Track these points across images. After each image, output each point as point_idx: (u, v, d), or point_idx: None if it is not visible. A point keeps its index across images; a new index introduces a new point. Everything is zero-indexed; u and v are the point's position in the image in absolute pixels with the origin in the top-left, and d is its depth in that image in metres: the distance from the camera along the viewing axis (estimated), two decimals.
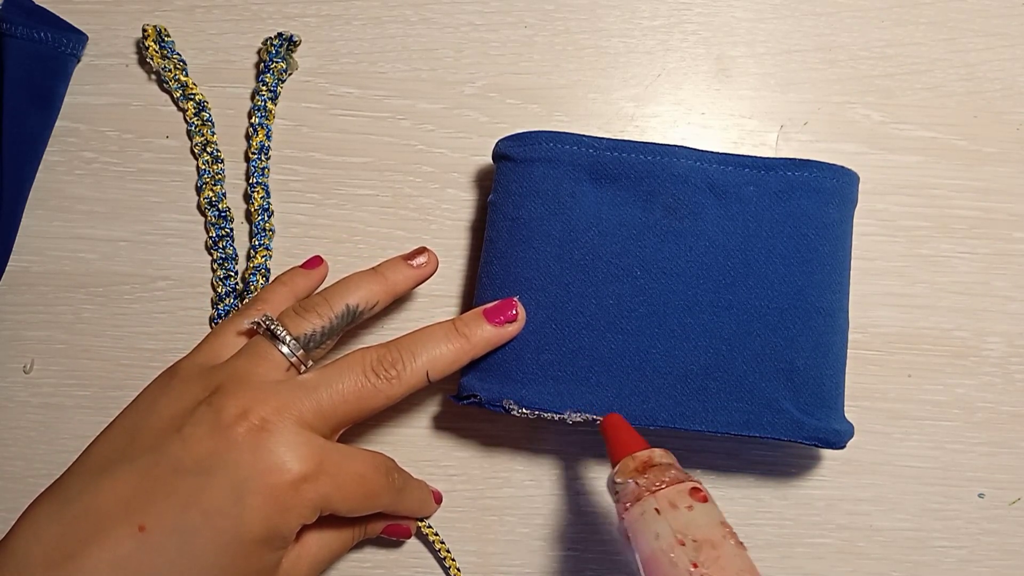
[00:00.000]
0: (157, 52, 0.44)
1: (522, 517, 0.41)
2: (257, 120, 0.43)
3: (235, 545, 0.30)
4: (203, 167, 0.43)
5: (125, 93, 0.45)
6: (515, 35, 0.45)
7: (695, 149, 0.38)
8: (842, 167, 0.38)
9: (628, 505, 0.30)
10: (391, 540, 0.40)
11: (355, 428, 0.41)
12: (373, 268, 0.37)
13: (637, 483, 0.31)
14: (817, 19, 0.45)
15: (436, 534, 0.40)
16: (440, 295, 0.43)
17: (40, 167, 0.44)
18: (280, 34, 0.43)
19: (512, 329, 0.37)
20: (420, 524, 0.40)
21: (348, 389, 0.33)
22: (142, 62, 0.45)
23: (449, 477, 0.41)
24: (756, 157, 0.38)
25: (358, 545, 0.40)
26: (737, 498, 0.41)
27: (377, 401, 0.34)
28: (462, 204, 0.43)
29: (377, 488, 0.34)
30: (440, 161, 0.44)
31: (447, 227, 0.43)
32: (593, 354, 0.36)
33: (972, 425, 0.41)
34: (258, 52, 0.45)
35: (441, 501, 0.41)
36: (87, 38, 0.45)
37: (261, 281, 0.42)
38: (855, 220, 0.40)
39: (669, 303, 0.37)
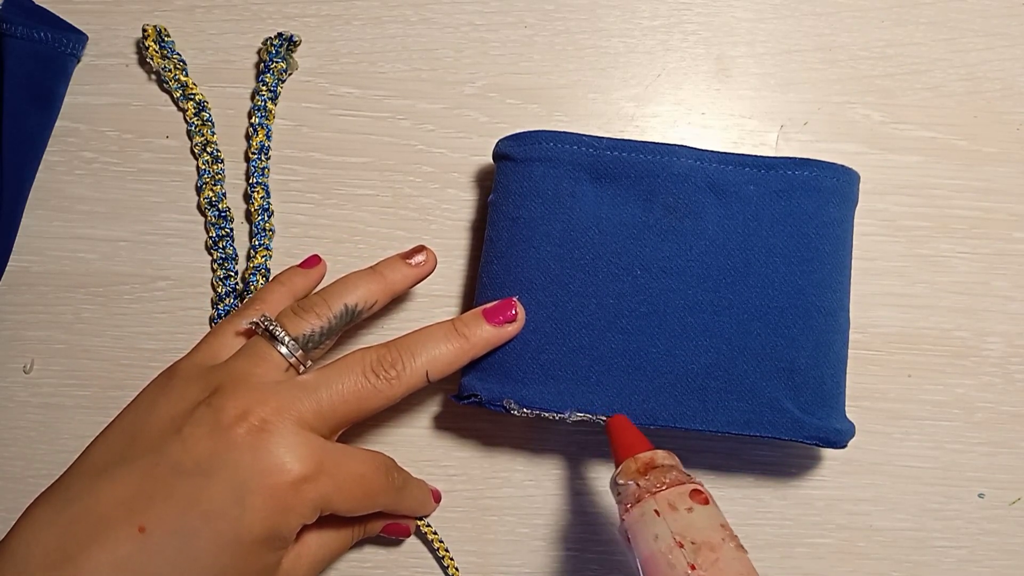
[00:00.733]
0: (157, 52, 0.44)
1: (522, 517, 0.41)
2: (257, 120, 0.43)
3: (235, 546, 0.30)
4: (203, 167, 0.43)
5: (125, 93, 0.45)
6: (515, 35, 0.45)
7: (695, 148, 0.38)
8: (843, 166, 0.38)
9: (629, 506, 0.30)
10: (390, 539, 0.40)
11: (355, 428, 0.41)
12: (371, 267, 0.37)
13: (638, 484, 0.31)
14: (817, 19, 0.45)
15: (435, 533, 0.40)
16: (440, 295, 0.43)
17: (40, 167, 0.44)
18: (280, 34, 0.43)
19: (512, 329, 0.36)
20: (419, 523, 0.40)
21: (348, 389, 0.33)
22: (142, 62, 0.45)
23: (449, 477, 0.41)
24: (756, 156, 0.38)
25: (358, 544, 0.40)
26: (737, 498, 0.41)
27: (377, 401, 0.34)
28: (462, 204, 0.43)
29: (377, 487, 0.34)
30: (440, 161, 0.44)
31: (447, 227, 0.43)
32: (593, 353, 0.36)
33: (972, 425, 0.41)
34: (258, 52, 0.45)
35: (440, 500, 0.41)
36: (87, 38, 0.45)
37: (261, 281, 0.42)
38: (855, 220, 0.40)
39: (669, 302, 0.37)
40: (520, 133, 0.39)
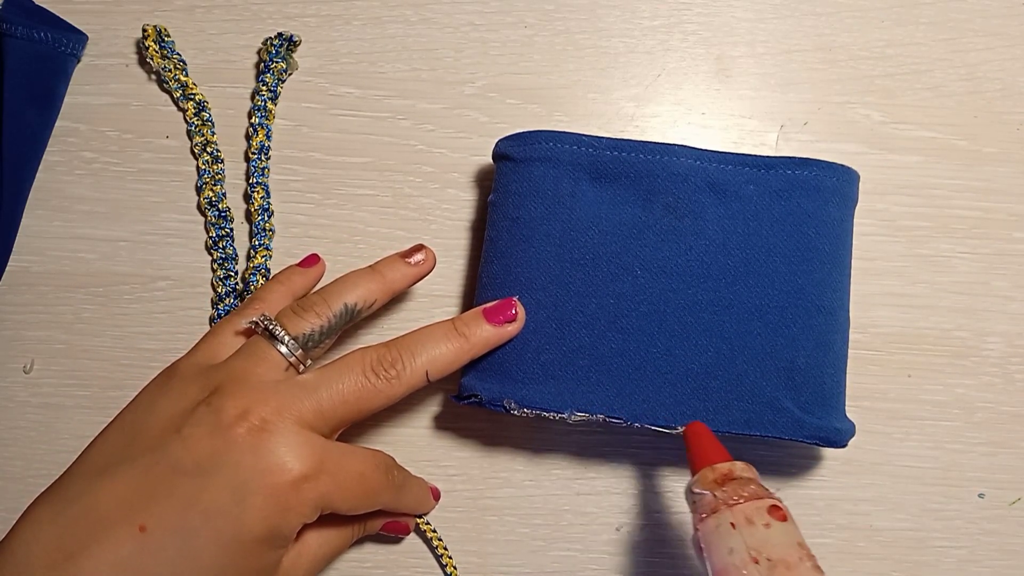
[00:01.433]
0: (157, 52, 0.44)
1: (522, 517, 0.41)
2: (257, 120, 0.43)
3: (235, 545, 0.30)
4: (203, 167, 0.43)
5: (125, 93, 0.45)
6: (515, 35, 0.45)
7: (695, 148, 0.38)
8: (843, 166, 0.38)
9: (704, 516, 0.30)
10: (390, 537, 0.40)
11: (355, 428, 0.41)
12: (371, 266, 0.37)
13: (715, 495, 0.30)
14: (817, 19, 0.45)
15: (434, 531, 0.40)
16: (440, 295, 0.43)
17: (40, 167, 0.44)
18: (280, 34, 0.43)
19: (512, 329, 0.36)
20: (419, 521, 0.40)
21: (348, 389, 0.33)
22: (142, 62, 0.45)
23: (449, 477, 0.41)
24: (756, 156, 0.38)
25: (358, 544, 0.40)
26: None
27: (377, 401, 0.34)
28: (462, 204, 0.43)
29: (377, 486, 0.34)
30: (440, 161, 0.44)
31: (447, 227, 0.43)
32: (593, 353, 0.36)
33: (972, 425, 0.41)
34: (258, 52, 0.45)
35: (439, 498, 0.41)
36: (87, 38, 0.45)
37: (261, 281, 0.42)
38: (855, 219, 0.40)
39: (669, 302, 0.37)
40: (520, 133, 0.39)
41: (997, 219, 0.43)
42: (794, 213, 0.37)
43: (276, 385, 0.32)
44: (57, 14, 0.44)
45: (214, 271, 0.43)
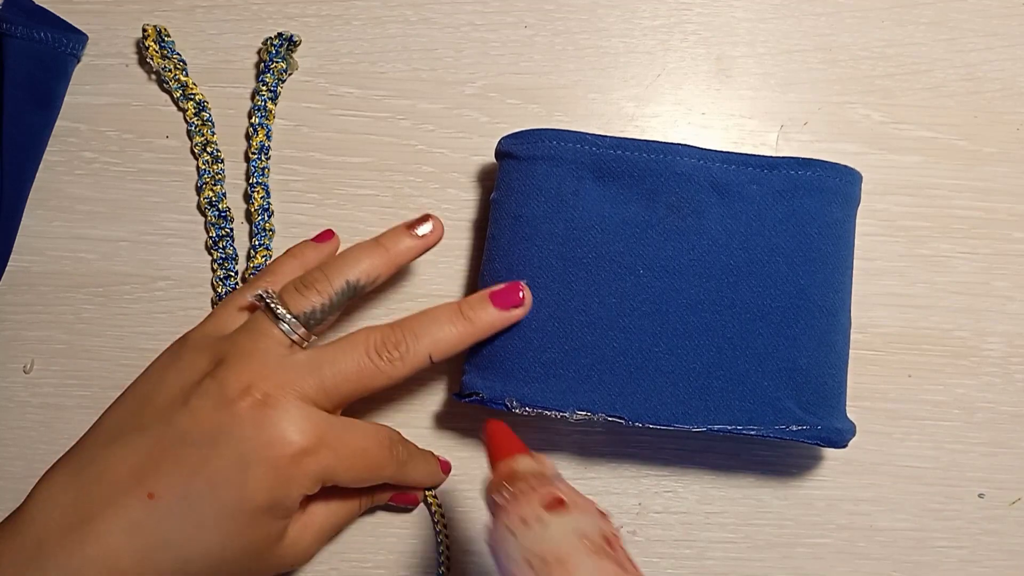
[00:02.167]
0: (157, 52, 0.44)
1: None
2: (257, 120, 0.43)
3: (239, 513, 0.31)
4: (203, 167, 0.43)
5: (125, 93, 0.45)
6: (515, 35, 0.45)
7: (698, 147, 0.38)
8: (845, 166, 0.38)
9: (491, 525, 0.28)
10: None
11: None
12: (375, 239, 0.37)
13: (498, 498, 0.28)
14: (817, 19, 0.45)
15: (439, 506, 0.40)
16: (441, 295, 0.43)
17: (40, 167, 0.44)
18: (280, 34, 0.43)
19: (518, 313, 0.36)
20: (427, 494, 0.40)
21: (351, 368, 0.33)
22: (142, 62, 0.45)
23: (449, 477, 0.41)
24: (759, 156, 0.38)
25: (358, 543, 0.40)
26: (737, 498, 0.41)
27: (379, 381, 0.34)
28: (462, 204, 0.43)
29: (380, 460, 0.35)
30: (440, 161, 0.44)
31: (447, 227, 0.43)
32: (595, 352, 0.36)
33: (972, 425, 0.41)
34: (258, 52, 0.45)
35: (449, 471, 0.41)
36: (87, 38, 0.45)
37: None
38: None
39: (672, 301, 0.37)
40: (523, 131, 0.39)
41: (997, 219, 0.43)
42: (797, 213, 0.37)
43: (279, 360, 0.33)
44: (57, 14, 0.44)
45: (214, 271, 0.43)
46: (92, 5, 0.45)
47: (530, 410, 0.36)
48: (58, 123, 0.44)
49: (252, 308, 0.36)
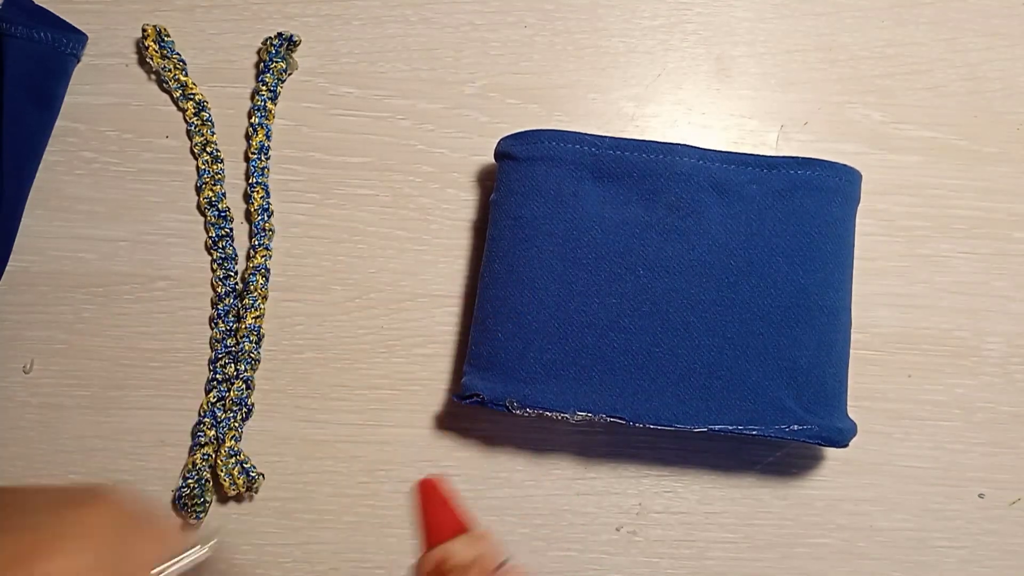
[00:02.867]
0: (157, 52, 0.44)
1: (522, 517, 0.41)
2: (257, 120, 0.43)
3: None
4: (203, 167, 0.43)
5: (125, 93, 0.45)
6: (515, 35, 0.45)
7: (698, 147, 0.38)
8: (845, 165, 0.38)
9: None
10: (390, 540, 0.40)
11: (355, 430, 0.41)
12: None
13: None
14: (817, 19, 0.45)
15: None
16: (441, 295, 0.43)
17: (40, 167, 0.44)
18: (280, 34, 0.43)
19: None
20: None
21: None
22: (142, 62, 0.45)
23: (449, 477, 0.41)
24: (759, 155, 0.38)
25: (358, 543, 0.40)
26: (737, 498, 0.41)
27: None
28: (462, 204, 0.43)
29: None
30: (440, 161, 0.44)
31: (447, 227, 0.43)
32: (596, 353, 0.36)
33: (972, 425, 0.41)
34: (258, 52, 0.45)
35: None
36: (87, 38, 0.45)
37: (261, 281, 0.42)
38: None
39: (672, 301, 0.37)
40: (523, 132, 0.39)
41: (997, 219, 0.43)
42: (797, 213, 0.37)
43: None
44: (57, 14, 0.44)
45: (214, 271, 0.43)
46: (92, 5, 0.45)
47: (531, 411, 0.36)
48: (58, 123, 0.44)
49: None
